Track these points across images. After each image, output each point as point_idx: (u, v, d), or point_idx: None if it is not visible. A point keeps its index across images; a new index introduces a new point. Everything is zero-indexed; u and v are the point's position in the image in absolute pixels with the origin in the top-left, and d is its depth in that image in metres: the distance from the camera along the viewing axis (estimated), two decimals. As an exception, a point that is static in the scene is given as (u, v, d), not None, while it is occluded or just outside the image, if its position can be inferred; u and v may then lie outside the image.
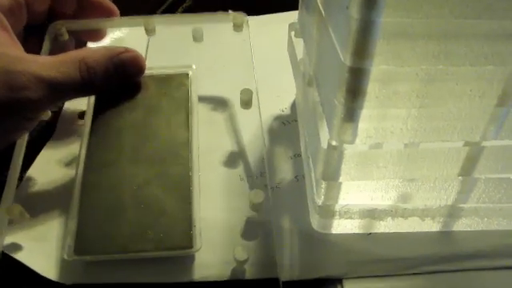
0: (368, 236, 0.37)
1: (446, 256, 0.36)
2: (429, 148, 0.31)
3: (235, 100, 0.46)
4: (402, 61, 0.26)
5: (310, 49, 0.37)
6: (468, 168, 0.32)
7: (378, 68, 0.26)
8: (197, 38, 0.48)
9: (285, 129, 0.45)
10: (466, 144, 0.31)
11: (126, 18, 0.46)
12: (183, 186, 0.37)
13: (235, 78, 0.46)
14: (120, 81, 0.40)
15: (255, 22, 0.53)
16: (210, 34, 0.48)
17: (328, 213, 0.34)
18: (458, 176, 0.33)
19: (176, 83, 0.44)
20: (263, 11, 0.62)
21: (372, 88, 0.27)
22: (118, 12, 0.45)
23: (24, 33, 0.41)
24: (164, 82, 0.44)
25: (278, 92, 0.49)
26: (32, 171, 0.41)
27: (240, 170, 0.42)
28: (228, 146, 0.44)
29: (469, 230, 0.37)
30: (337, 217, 0.35)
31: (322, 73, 0.33)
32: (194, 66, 0.45)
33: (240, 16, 0.46)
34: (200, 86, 0.45)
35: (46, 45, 0.42)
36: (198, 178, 0.38)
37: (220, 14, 0.46)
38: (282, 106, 0.48)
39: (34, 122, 0.37)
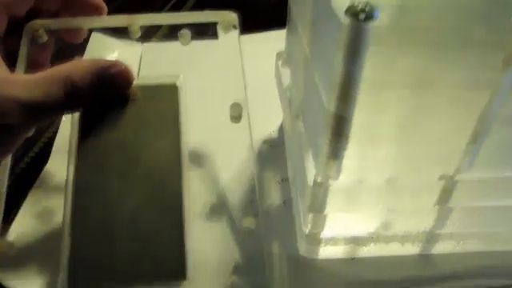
0: (352, 260, 0.39)
1: (425, 277, 0.38)
2: (407, 182, 0.33)
3: (224, 112, 0.42)
4: (381, 109, 0.28)
5: (297, 82, 0.39)
6: (443, 199, 0.34)
7: (359, 114, 0.28)
8: (184, 41, 0.43)
9: (273, 152, 0.47)
10: (441, 178, 0.33)
11: (108, 17, 0.42)
12: (175, 213, 0.36)
13: (224, 88, 0.43)
14: (107, 96, 0.37)
15: (246, 39, 0.55)
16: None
17: (314, 240, 0.37)
18: (435, 206, 0.35)
19: (164, 95, 0.41)
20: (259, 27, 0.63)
21: (354, 131, 0.29)
22: (105, 9, 0.42)
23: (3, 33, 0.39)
24: (151, 93, 0.40)
25: (266, 115, 0.50)
26: (25, 207, 0.43)
27: (231, 196, 0.43)
28: (218, 170, 0.45)
29: (446, 252, 0.39)
30: (323, 244, 0.37)
31: (308, 110, 0.35)
32: (181, 76, 0.42)
33: (229, 15, 0.42)
34: (188, 96, 0.41)
35: (24, 49, 0.39)
36: (189, 205, 0.37)
37: (207, 13, 0.42)
38: (270, 128, 0.50)
39: (16, 143, 0.36)
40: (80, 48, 0.52)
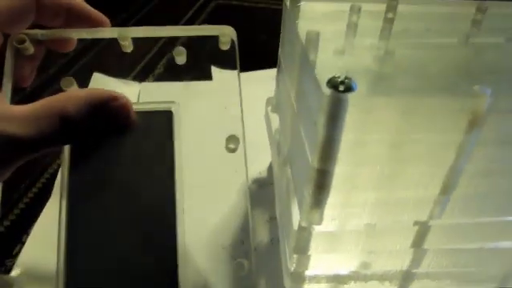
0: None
1: (402, 313, 0.42)
2: (384, 227, 0.36)
3: (220, 144, 0.42)
4: (361, 163, 0.32)
5: (285, 130, 0.42)
6: (418, 241, 0.37)
7: (341, 168, 0.31)
8: (179, 59, 0.42)
9: (262, 192, 0.50)
10: (416, 223, 0.36)
11: (98, 29, 0.40)
12: (169, 253, 0.35)
13: (221, 120, 0.45)
14: (104, 130, 0.35)
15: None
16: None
17: (299, 278, 0.39)
18: (410, 248, 0.38)
19: (158, 123, 0.39)
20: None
21: (336, 182, 0.32)
22: (108, 22, 0.41)
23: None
24: (144, 120, 0.38)
25: (255, 154, 0.53)
26: (29, 241, 0.45)
27: (223, 237, 0.46)
28: (212, 208, 0.48)
29: (422, 290, 0.42)
30: (307, 281, 0.40)
31: (294, 160, 0.38)
32: (177, 103, 0.40)
33: (227, 29, 0.41)
34: (183, 123, 0.40)
35: (8, 62, 0.37)
36: (184, 244, 0.36)
37: (204, 27, 0.42)
38: (260, 168, 0.53)
39: (5, 176, 0.34)
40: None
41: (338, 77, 0.27)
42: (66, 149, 0.36)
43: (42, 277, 0.42)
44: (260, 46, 0.84)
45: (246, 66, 0.74)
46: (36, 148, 0.32)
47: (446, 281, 0.42)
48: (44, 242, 0.44)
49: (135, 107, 0.37)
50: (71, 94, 0.33)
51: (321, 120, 0.28)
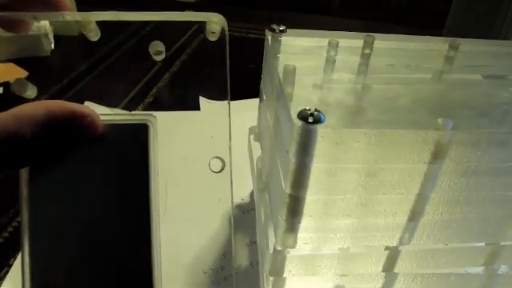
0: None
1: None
2: (357, 251, 0.38)
3: (204, 164, 0.38)
4: (331, 190, 0.34)
5: (265, 158, 0.45)
6: (389, 266, 0.39)
7: (315, 195, 0.33)
8: (156, 54, 0.37)
9: (244, 217, 0.52)
10: (386, 248, 0.38)
11: (58, 13, 0.34)
12: (144, 280, 0.32)
13: (207, 142, 0.44)
14: (62, 148, 0.30)
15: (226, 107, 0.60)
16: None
17: (275, 300, 0.41)
18: (382, 272, 0.40)
19: (132, 138, 0.33)
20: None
21: (311, 208, 0.34)
22: (69, 6, 0.34)
23: None
24: (117, 135, 0.32)
25: (239, 180, 0.55)
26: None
27: (203, 262, 0.47)
28: (193, 237, 0.50)
29: (394, 313, 0.44)
30: (283, 303, 0.42)
31: (271, 187, 0.40)
32: (154, 115, 0.34)
33: (216, 17, 0.34)
34: (165, 139, 0.35)
35: None
36: (160, 269, 0.33)
37: (188, 14, 0.34)
38: (243, 194, 0.55)
39: None
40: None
41: (309, 109, 0.30)
42: (25, 170, 0.31)
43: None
44: (249, 75, 0.87)
45: (235, 95, 0.76)
46: None
47: (417, 305, 0.43)
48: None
49: (108, 118, 0.32)
50: (26, 112, 0.28)
51: (292, 149, 0.31)
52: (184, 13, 0.34)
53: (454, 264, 0.41)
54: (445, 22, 0.97)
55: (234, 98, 0.73)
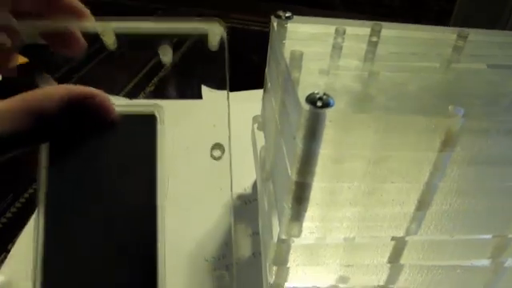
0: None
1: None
2: (362, 241, 0.38)
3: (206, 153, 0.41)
4: (337, 178, 0.33)
5: (269, 146, 0.44)
6: (395, 257, 0.39)
7: (321, 182, 0.32)
8: (165, 59, 0.39)
9: (246, 208, 0.52)
10: (393, 239, 0.37)
11: (77, 22, 0.37)
12: (149, 265, 0.33)
13: (208, 129, 0.44)
14: (79, 129, 0.32)
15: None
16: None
17: (278, 290, 0.41)
18: (387, 263, 0.39)
19: (140, 127, 0.35)
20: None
21: (316, 196, 0.33)
22: (89, 14, 0.37)
23: None
24: (126, 124, 0.34)
25: (242, 171, 0.55)
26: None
27: (205, 251, 0.47)
28: (195, 226, 0.49)
29: (399, 305, 0.43)
30: (286, 294, 0.41)
31: (276, 175, 0.39)
32: (161, 104, 0.37)
33: (216, 28, 0.37)
34: (167, 128, 0.36)
35: None
36: (164, 255, 0.34)
37: (194, 23, 0.37)
38: (245, 184, 0.54)
39: None
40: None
41: (317, 93, 0.29)
42: (44, 153, 0.33)
43: (25, 286, 0.43)
44: (251, 67, 0.86)
45: (237, 86, 0.76)
46: (10, 147, 0.29)
47: (422, 298, 0.43)
48: (29, 252, 0.45)
49: (118, 108, 0.33)
50: (48, 91, 0.30)
51: (299, 134, 0.30)
52: (185, 23, 0.36)
53: (460, 256, 0.40)
54: (448, 19, 0.97)
55: (236, 90, 0.74)
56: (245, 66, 0.89)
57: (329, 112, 0.29)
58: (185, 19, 0.36)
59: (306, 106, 0.29)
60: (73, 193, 0.33)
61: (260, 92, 0.50)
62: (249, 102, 0.53)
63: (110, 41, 0.36)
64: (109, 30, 0.36)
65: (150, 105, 0.36)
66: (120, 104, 0.34)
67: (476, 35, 0.47)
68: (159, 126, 0.35)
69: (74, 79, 0.82)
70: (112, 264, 0.33)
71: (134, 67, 0.87)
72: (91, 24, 0.37)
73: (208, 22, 0.36)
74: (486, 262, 0.41)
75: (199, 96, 0.74)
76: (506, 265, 0.41)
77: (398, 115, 0.31)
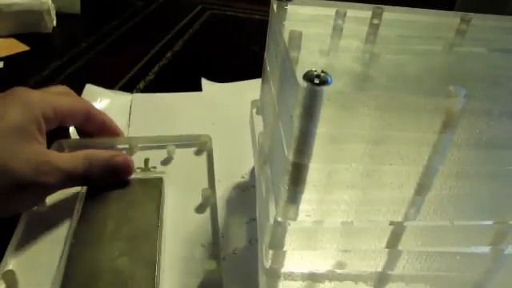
0: (309, 296, 0.42)
1: (376, 316, 0.42)
2: (360, 225, 0.37)
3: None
4: (335, 159, 0.32)
5: (267, 130, 0.43)
6: (393, 242, 0.38)
7: (318, 163, 0.32)
8: (167, 159, 0.58)
9: (243, 195, 0.51)
10: (391, 223, 0.37)
11: (114, 139, 0.57)
12: (151, 255, 0.43)
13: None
14: (111, 178, 0.50)
15: (229, 87, 0.59)
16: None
17: (274, 275, 0.40)
18: (385, 248, 0.38)
19: (151, 184, 0.52)
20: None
21: (313, 177, 0.33)
22: (122, 133, 0.58)
23: None
24: (143, 182, 0.52)
25: (240, 158, 0.55)
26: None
27: (201, 237, 0.47)
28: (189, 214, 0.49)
29: (397, 293, 0.43)
30: (282, 278, 0.40)
31: (273, 157, 0.39)
32: (166, 172, 0.54)
33: (204, 137, 0.58)
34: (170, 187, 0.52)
35: None
36: (164, 248, 0.45)
37: (188, 136, 0.58)
38: (243, 172, 0.54)
39: (41, 201, 0.48)
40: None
41: (315, 71, 0.28)
42: (83, 192, 0.50)
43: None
44: (251, 57, 0.86)
45: (238, 76, 0.75)
46: (70, 180, 0.47)
47: (419, 284, 0.42)
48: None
49: (135, 175, 0.52)
50: (95, 150, 0.50)
51: (296, 113, 0.29)
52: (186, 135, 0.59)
53: (459, 243, 0.39)
54: (452, 8, 0.96)
55: (236, 79, 0.73)
56: (246, 55, 0.88)
57: (326, 90, 0.28)
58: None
59: (304, 83, 0.28)
60: (102, 213, 0.47)
61: (259, 81, 0.50)
62: (249, 91, 0.53)
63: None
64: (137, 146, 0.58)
65: (159, 172, 0.54)
66: (140, 171, 0.53)
67: (479, 20, 0.46)
68: (164, 184, 0.52)
69: (73, 68, 0.82)
70: (124, 256, 0.43)
71: (134, 57, 0.87)
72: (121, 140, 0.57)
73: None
74: (485, 249, 0.40)
75: (199, 88, 0.74)
76: (506, 252, 0.40)
77: (398, 94, 0.30)
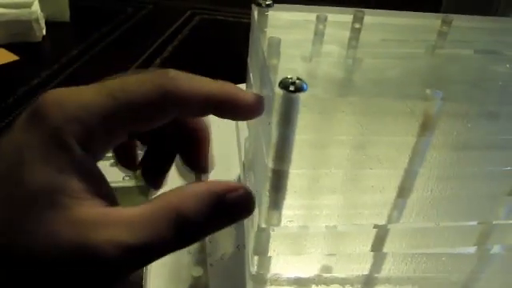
0: (296, 300, 0.42)
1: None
2: (344, 229, 0.37)
3: None
4: (316, 164, 0.32)
5: (251, 137, 0.43)
6: (378, 245, 0.38)
7: (300, 169, 0.32)
8: None
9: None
10: (375, 227, 0.37)
11: None
12: None
13: None
14: (222, 227, 0.29)
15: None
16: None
17: (261, 280, 0.40)
18: (370, 251, 0.39)
19: (139, 192, 0.51)
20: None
21: (293, 183, 0.33)
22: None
23: None
24: (128, 192, 0.50)
25: (227, 164, 0.55)
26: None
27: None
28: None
29: (384, 296, 0.43)
30: (268, 284, 0.40)
31: (256, 164, 0.39)
32: None
33: None
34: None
35: None
36: None
37: None
38: (230, 177, 0.54)
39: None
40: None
41: (291, 78, 0.28)
42: None
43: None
44: (240, 61, 0.86)
45: (227, 79, 0.75)
46: (149, 255, 0.26)
47: (406, 286, 0.42)
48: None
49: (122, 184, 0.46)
50: (187, 191, 0.27)
51: (274, 120, 0.29)
52: None
53: (445, 244, 0.40)
54: (438, 10, 0.96)
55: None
56: (234, 59, 0.88)
57: (303, 96, 0.28)
58: None
59: (279, 91, 0.28)
60: None
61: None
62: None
63: None
64: None
65: None
66: None
67: (460, 21, 0.46)
68: None
69: (62, 76, 0.82)
70: None
71: (123, 65, 0.87)
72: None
73: None
74: (471, 250, 0.40)
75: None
76: (491, 251, 0.40)
77: (374, 99, 0.30)
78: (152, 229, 0.25)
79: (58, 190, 0.25)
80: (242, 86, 0.59)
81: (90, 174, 0.26)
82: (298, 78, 0.28)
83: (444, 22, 0.45)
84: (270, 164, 0.31)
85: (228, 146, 0.54)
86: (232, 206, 0.28)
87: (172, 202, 0.27)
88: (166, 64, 0.87)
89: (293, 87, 0.28)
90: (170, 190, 0.27)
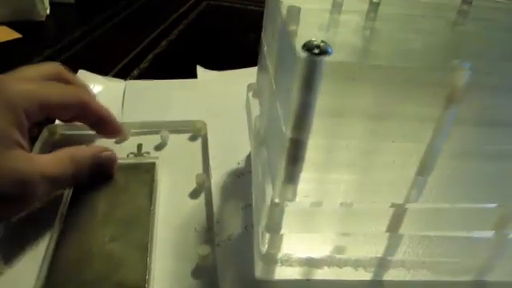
0: (307, 282, 0.41)
1: (376, 303, 0.41)
2: (360, 208, 0.36)
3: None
4: (335, 135, 0.31)
5: (264, 111, 0.42)
6: (394, 226, 0.37)
7: (317, 140, 0.30)
8: (161, 145, 0.56)
9: (239, 181, 0.50)
10: (392, 205, 0.35)
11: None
12: (142, 239, 0.42)
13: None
14: (99, 173, 0.47)
15: (226, 74, 0.58)
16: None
17: (271, 260, 0.38)
18: (386, 232, 0.37)
19: (144, 169, 0.50)
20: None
21: (312, 156, 0.31)
22: (124, 133, 0.54)
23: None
24: (135, 167, 0.51)
25: (235, 145, 0.54)
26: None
27: (195, 222, 0.46)
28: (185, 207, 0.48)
29: (397, 280, 0.41)
30: (279, 264, 0.39)
31: (270, 137, 0.37)
32: (160, 157, 0.52)
33: (199, 123, 0.57)
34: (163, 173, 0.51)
35: (40, 142, 0.53)
36: (157, 232, 0.44)
37: (182, 122, 0.58)
38: (238, 158, 0.53)
39: (25, 209, 0.45)
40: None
41: (314, 40, 0.27)
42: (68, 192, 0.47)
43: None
44: (246, 47, 0.84)
45: (234, 65, 0.74)
46: (58, 184, 0.43)
47: (421, 271, 0.41)
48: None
49: (126, 161, 0.51)
50: (80, 148, 0.46)
51: (295, 85, 0.28)
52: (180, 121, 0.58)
53: (462, 227, 0.38)
54: None
55: (233, 68, 0.72)
56: (241, 46, 0.87)
57: (327, 60, 0.27)
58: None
59: (303, 54, 0.27)
60: (91, 202, 0.46)
61: (255, 70, 0.49)
62: (244, 79, 0.52)
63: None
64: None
65: (152, 157, 0.53)
66: (129, 158, 0.53)
67: (480, 1, 0.45)
68: (157, 168, 0.51)
69: (66, 55, 0.80)
70: (116, 240, 0.42)
71: (128, 46, 0.86)
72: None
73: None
74: (489, 234, 0.39)
75: (194, 75, 0.73)
76: (510, 236, 0.39)
77: (402, 66, 0.29)
78: (59, 166, 0.42)
79: (10, 135, 0.39)
80: (251, 69, 0.58)
81: (25, 134, 0.41)
82: (322, 41, 0.27)
83: (464, 1, 0.44)
84: (289, 133, 0.30)
85: (237, 128, 0.53)
86: (103, 160, 0.47)
87: (71, 151, 0.44)
88: (172, 47, 0.86)
89: (317, 50, 0.26)
90: (72, 147, 0.45)
